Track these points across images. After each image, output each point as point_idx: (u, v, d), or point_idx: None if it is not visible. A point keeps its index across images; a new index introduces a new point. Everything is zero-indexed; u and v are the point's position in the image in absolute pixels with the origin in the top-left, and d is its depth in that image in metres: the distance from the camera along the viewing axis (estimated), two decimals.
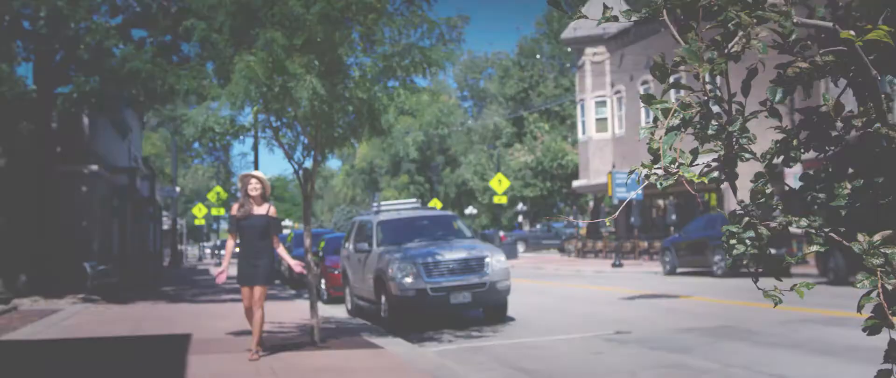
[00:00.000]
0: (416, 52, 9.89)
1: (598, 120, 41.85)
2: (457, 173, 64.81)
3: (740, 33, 1.26)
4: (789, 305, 13.85)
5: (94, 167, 21.26)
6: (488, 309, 13.34)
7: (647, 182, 1.60)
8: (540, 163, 53.36)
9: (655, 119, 1.61)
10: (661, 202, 38.63)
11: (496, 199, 40.04)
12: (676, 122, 1.44)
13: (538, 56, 60.63)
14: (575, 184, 44.82)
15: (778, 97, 1.39)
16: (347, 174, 79.48)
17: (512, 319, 13.43)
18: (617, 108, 40.75)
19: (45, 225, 19.37)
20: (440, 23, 10.02)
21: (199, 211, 48.36)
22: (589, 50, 41.90)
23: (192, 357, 9.14)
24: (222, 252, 58.93)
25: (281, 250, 9.17)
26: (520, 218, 63.65)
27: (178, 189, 45.40)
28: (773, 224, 1.56)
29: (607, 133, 41.54)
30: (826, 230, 1.49)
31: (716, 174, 1.58)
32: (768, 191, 1.54)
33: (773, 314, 12.77)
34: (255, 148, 21.13)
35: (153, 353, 9.93)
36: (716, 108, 1.61)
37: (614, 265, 29.59)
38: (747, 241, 1.49)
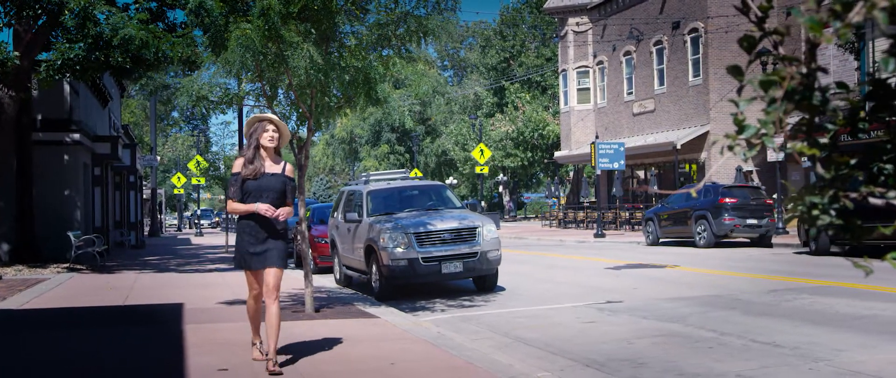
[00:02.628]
0: (412, 20, 9.83)
1: (580, 90, 41.92)
2: (437, 143, 64.75)
3: (862, 3, 1.26)
4: (775, 275, 14.05)
5: (76, 136, 21.00)
6: (478, 279, 13.40)
7: (731, 153, 1.61)
8: (521, 133, 53.40)
9: (740, 89, 1.61)
10: (641, 173, 38.86)
11: (478, 169, 40.09)
12: (780, 93, 1.45)
13: (522, 25, 60.42)
14: (557, 154, 44.96)
15: (891, 67, 1.40)
16: (327, 144, 79.13)
17: (502, 289, 13.52)
18: (599, 78, 40.81)
19: (27, 194, 19.15)
20: None
21: (177, 180, 48.03)
22: (572, 20, 41.83)
23: (189, 326, 9.13)
24: (202, 222, 58.54)
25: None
26: (500, 188, 63.81)
27: (158, 158, 45.01)
28: (853, 194, 1.58)
29: (589, 104, 41.63)
30: None
31: (799, 144, 1.59)
32: (852, 162, 1.55)
33: (759, 283, 12.97)
34: (240, 117, 20.94)
35: (149, 322, 9.90)
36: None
37: (596, 235, 29.80)
38: (832, 212, 1.51)
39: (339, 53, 9.53)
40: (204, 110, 9.65)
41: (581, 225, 38.88)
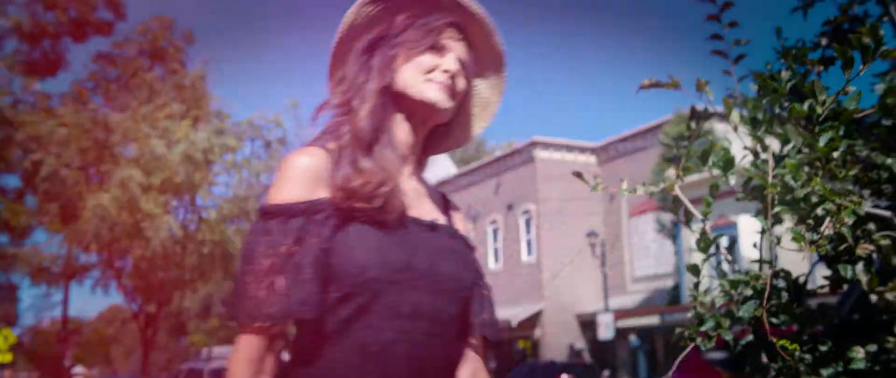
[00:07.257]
0: None
1: None
2: None
3: (829, 220, 1.50)
4: None
5: None
6: None
7: (692, 345, 1.77)
8: None
9: (696, 285, 1.80)
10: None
11: None
12: (750, 292, 1.64)
13: None
14: None
15: (849, 273, 1.63)
16: None
17: None
18: None
19: None
20: None
21: None
22: None
23: None
24: None
25: None
26: None
27: None
28: None
29: None
30: None
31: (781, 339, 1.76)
32: (807, 358, 1.75)
33: None
34: (67, 286, 19.57)
35: None
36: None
37: None
38: None
39: (197, 226, 9.39)
40: (44, 283, 9.06)
41: None
